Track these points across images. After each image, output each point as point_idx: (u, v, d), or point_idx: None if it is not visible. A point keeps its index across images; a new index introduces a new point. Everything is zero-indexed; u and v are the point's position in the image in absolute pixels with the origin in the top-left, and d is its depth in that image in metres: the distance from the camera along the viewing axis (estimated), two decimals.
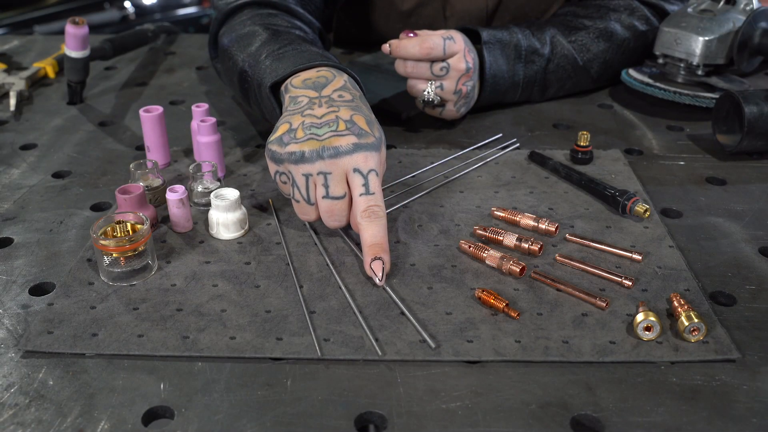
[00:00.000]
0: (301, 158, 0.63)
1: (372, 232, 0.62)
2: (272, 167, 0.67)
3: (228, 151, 0.87)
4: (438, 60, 0.85)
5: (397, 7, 1.09)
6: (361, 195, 0.63)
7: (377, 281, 0.62)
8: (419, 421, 0.49)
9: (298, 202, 0.66)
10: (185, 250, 0.68)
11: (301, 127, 0.65)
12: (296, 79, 0.72)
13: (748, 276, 0.64)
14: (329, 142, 0.63)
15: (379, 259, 0.61)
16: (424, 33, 0.86)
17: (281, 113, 0.73)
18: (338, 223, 0.65)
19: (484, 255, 0.65)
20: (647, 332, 0.56)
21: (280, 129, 0.66)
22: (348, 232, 0.70)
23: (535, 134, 0.91)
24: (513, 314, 0.58)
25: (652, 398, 0.51)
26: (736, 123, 0.83)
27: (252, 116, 0.98)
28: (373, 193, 0.63)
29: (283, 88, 0.73)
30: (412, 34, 0.86)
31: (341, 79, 0.71)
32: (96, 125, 0.96)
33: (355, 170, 0.63)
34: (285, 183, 0.67)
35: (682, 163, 0.84)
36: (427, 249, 0.68)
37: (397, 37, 0.87)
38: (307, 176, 0.63)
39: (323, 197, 0.64)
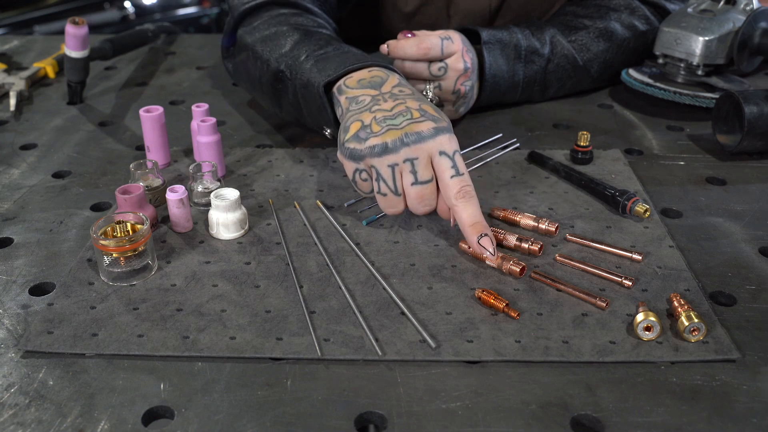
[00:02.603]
0: (384, 149, 0.63)
1: (470, 211, 0.63)
2: (350, 166, 0.67)
3: (228, 151, 0.87)
4: (436, 60, 0.85)
5: (401, 8, 1.09)
6: (452, 177, 0.63)
7: (490, 256, 0.62)
8: (419, 421, 0.49)
9: (385, 195, 0.66)
10: (185, 250, 0.68)
11: (374, 121, 0.65)
12: (350, 80, 0.72)
13: (748, 276, 0.64)
14: (409, 128, 0.64)
15: (485, 235, 0.62)
16: (422, 33, 0.86)
17: (332, 114, 0.74)
18: (428, 208, 0.66)
19: (485, 255, 0.65)
20: (647, 332, 0.56)
21: (352, 127, 0.66)
22: (348, 231, 0.70)
23: (535, 134, 0.91)
24: (513, 314, 0.58)
25: (652, 398, 0.51)
26: (736, 123, 0.83)
27: (251, 116, 0.98)
28: (463, 174, 0.64)
29: (335, 89, 0.74)
30: (410, 35, 0.86)
31: (395, 76, 0.72)
32: (96, 125, 0.96)
33: (441, 153, 0.63)
34: (365, 180, 0.67)
35: (682, 163, 0.84)
36: (427, 249, 0.68)
37: None
38: (393, 166, 0.64)
39: (412, 184, 0.64)
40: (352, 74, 0.73)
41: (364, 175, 0.67)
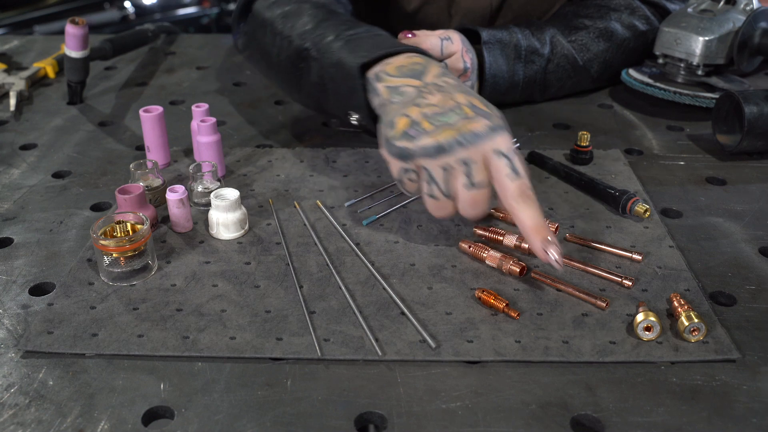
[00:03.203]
0: (438, 150, 0.59)
1: (530, 214, 0.59)
2: (397, 165, 0.63)
3: (228, 151, 0.87)
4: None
5: (403, 7, 1.09)
6: (509, 178, 0.59)
7: (555, 265, 0.58)
8: (419, 421, 0.49)
9: (435, 198, 0.62)
10: (185, 250, 0.68)
11: (423, 118, 0.61)
12: (389, 67, 0.68)
13: (748, 276, 0.64)
14: (465, 128, 0.59)
15: (552, 243, 0.58)
16: (422, 34, 0.86)
17: (365, 98, 0.70)
18: (481, 212, 0.62)
19: (484, 255, 0.65)
20: (647, 332, 0.56)
21: (400, 123, 0.62)
22: (348, 231, 0.70)
23: (535, 134, 0.91)
24: (513, 314, 0.58)
25: (652, 398, 0.51)
26: (736, 123, 0.83)
27: (251, 116, 0.98)
28: (522, 174, 0.59)
29: (372, 75, 0.69)
30: (410, 35, 0.86)
31: (435, 64, 0.68)
32: (96, 125, 0.96)
33: (498, 153, 0.59)
34: (413, 181, 0.63)
35: (682, 163, 0.84)
36: (427, 249, 0.68)
37: None
38: (446, 168, 0.60)
39: (465, 187, 0.60)
40: (390, 60, 0.69)
41: (412, 175, 0.62)
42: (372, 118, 0.70)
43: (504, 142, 0.59)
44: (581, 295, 0.60)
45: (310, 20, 0.79)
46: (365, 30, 0.75)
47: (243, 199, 0.74)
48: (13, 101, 1.01)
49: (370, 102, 0.70)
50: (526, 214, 0.59)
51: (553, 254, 0.58)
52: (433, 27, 0.95)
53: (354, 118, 0.73)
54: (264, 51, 0.85)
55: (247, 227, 0.71)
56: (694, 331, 0.55)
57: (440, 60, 0.85)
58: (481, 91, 0.92)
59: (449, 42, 0.85)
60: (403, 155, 0.61)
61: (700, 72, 0.94)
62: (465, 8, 1.07)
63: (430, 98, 0.63)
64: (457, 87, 0.64)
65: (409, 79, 0.66)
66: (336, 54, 0.72)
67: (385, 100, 0.66)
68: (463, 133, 0.59)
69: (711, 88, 0.94)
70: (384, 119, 0.65)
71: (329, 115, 0.83)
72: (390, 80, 0.67)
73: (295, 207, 0.75)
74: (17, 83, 1.05)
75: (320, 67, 0.75)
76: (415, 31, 0.87)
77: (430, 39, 0.84)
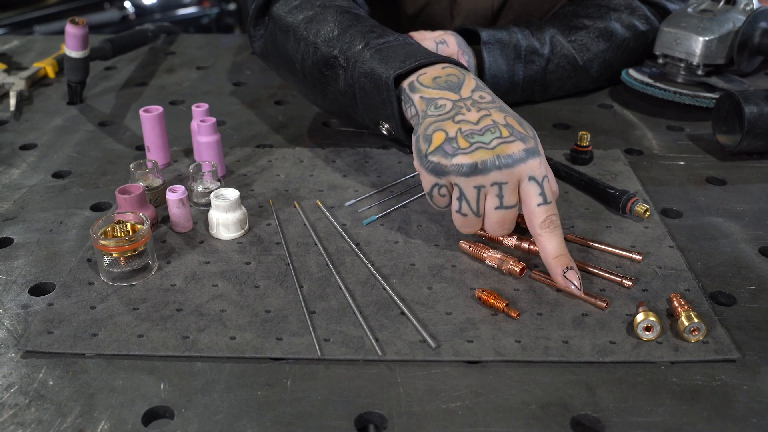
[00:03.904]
0: (474, 170, 0.60)
1: (555, 243, 0.61)
2: (430, 180, 0.63)
3: (228, 151, 0.87)
4: None
5: (405, 8, 1.09)
6: (539, 205, 0.61)
7: (575, 291, 0.60)
8: (419, 421, 0.49)
9: (465, 215, 0.63)
10: (185, 250, 0.68)
11: (460, 135, 0.61)
12: (423, 77, 0.67)
13: (748, 276, 0.64)
14: (501, 150, 0.60)
15: (571, 268, 0.60)
16: (418, 36, 0.86)
17: (398, 109, 0.69)
18: (506, 231, 0.64)
19: (484, 255, 0.65)
20: (647, 332, 0.56)
21: (435, 138, 0.62)
22: (348, 231, 0.70)
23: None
24: (513, 314, 0.58)
25: (652, 398, 0.51)
26: (736, 123, 0.83)
27: (251, 116, 0.98)
28: (550, 202, 0.61)
29: (406, 85, 0.68)
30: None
31: (471, 78, 0.68)
32: (96, 125, 0.96)
33: (531, 178, 0.60)
34: (443, 196, 0.63)
35: (682, 163, 0.84)
36: (427, 249, 0.68)
37: None
38: (479, 188, 0.61)
39: (496, 208, 0.61)
40: (425, 70, 0.68)
41: (443, 191, 0.63)
42: (404, 128, 0.70)
43: (538, 167, 0.61)
44: (581, 295, 0.60)
45: (335, 26, 0.77)
46: (395, 39, 0.74)
47: (243, 199, 0.74)
48: (13, 101, 1.01)
49: (403, 112, 0.70)
50: (551, 244, 0.61)
51: (573, 280, 0.60)
52: (435, 28, 0.95)
53: (384, 128, 0.72)
54: (286, 56, 0.84)
55: (247, 227, 0.71)
56: (694, 331, 0.55)
57: None
58: None
59: (444, 45, 0.85)
60: (438, 171, 0.62)
61: (700, 72, 0.94)
62: (467, 9, 1.07)
63: (467, 114, 0.63)
64: (493, 104, 0.65)
65: (446, 92, 0.66)
66: (367, 64, 0.71)
67: (420, 112, 0.66)
68: (500, 155, 0.60)
69: (711, 88, 0.94)
70: (419, 131, 0.64)
71: (352, 120, 0.82)
72: (426, 91, 0.66)
73: (295, 207, 0.75)
74: (17, 83, 1.05)
75: (349, 76, 0.74)
76: (411, 33, 0.87)
77: (425, 43, 0.84)
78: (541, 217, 0.61)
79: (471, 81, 0.67)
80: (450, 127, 0.62)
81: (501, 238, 0.67)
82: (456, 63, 0.70)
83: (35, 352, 0.56)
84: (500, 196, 0.61)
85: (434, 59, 0.69)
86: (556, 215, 0.61)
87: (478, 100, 0.65)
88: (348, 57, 0.74)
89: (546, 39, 0.95)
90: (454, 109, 0.64)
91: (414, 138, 0.65)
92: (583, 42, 0.97)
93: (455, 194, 0.62)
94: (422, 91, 0.67)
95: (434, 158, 0.61)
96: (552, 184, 0.62)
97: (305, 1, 0.83)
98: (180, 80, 1.12)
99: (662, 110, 0.97)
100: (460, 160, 0.60)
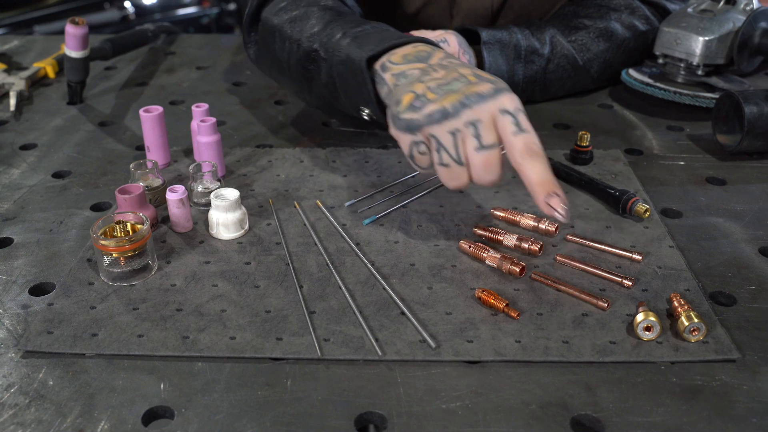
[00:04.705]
0: (444, 115, 0.59)
1: (537, 169, 0.58)
2: (406, 140, 0.62)
3: (228, 151, 0.87)
4: None
5: (404, 8, 1.09)
6: (515, 134, 0.59)
7: (560, 218, 0.58)
8: (419, 421, 0.49)
9: (447, 166, 0.61)
10: (185, 250, 0.68)
11: (428, 90, 0.61)
12: (394, 56, 0.68)
13: (748, 276, 0.64)
14: (468, 90, 0.59)
15: (556, 194, 0.58)
16: (418, 35, 0.86)
17: (374, 91, 0.70)
18: (494, 176, 0.60)
19: (484, 255, 0.65)
20: (647, 332, 0.56)
21: (405, 99, 0.62)
22: (348, 231, 0.70)
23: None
24: (513, 314, 0.58)
25: (652, 398, 0.51)
26: (736, 123, 0.83)
27: (251, 116, 0.98)
28: (527, 131, 0.59)
29: (378, 66, 0.69)
30: None
31: (441, 50, 0.68)
32: (96, 125, 0.96)
33: (503, 111, 0.59)
34: (424, 154, 0.62)
35: (682, 163, 0.84)
36: (427, 249, 0.68)
37: None
38: (454, 132, 0.59)
39: (476, 149, 0.59)
40: (396, 50, 0.69)
41: (422, 147, 0.62)
42: (382, 110, 0.70)
43: (509, 101, 0.59)
44: (582, 295, 0.60)
45: (317, 22, 0.79)
46: (372, 26, 0.75)
47: (243, 199, 0.74)
48: (13, 101, 1.01)
49: (378, 93, 0.70)
50: (534, 170, 0.58)
51: (557, 207, 0.58)
52: (434, 27, 0.95)
53: (365, 113, 0.73)
54: (275, 58, 0.85)
55: (247, 227, 0.71)
56: (694, 331, 0.55)
57: None
58: None
59: (446, 44, 0.85)
60: (411, 127, 0.61)
61: (700, 72, 0.94)
62: (466, 9, 1.07)
63: (434, 74, 0.63)
64: (461, 64, 0.65)
65: (414, 63, 0.66)
66: (344, 51, 0.72)
67: (391, 87, 0.66)
68: (467, 95, 0.59)
69: (711, 88, 0.94)
70: (391, 102, 0.65)
71: (341, 115, 0.83)
72: (396, 68, 0.67)
73: (295, 207, 0.75)
74: (17, 83, 1.05)
75: (329, 67, 0.75)
76: (413, 32, 0.87)
77: None
78: (518, 146, 0.58)
79: (440, 53, 0.67)
80: (418, 87, 0.62)
81: (501, 238, 0.67)
82: (430, 42, 0.70)
83: (35, 352, 0.56)
84: (477, 136, 0.59)
85: (406, 39, 0.70)
86: (537, 144, 0.59)
87: (447, 64, 0.65)
88: (327, 48, 0.75)
89: (546, 39, 0.95)
90: (422, 73, 0.64)
91: (388, 111, 0.65)
92: (583, 42, 0.97)
93: (433, 147, 0.61)
94: (392, 69, 0.67)
95: (406, 115, 0.61)
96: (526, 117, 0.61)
97: (291, 2, 0.85)
98: (180, 80, 1.12)
99: (662, 110, 0.97)
100: (430, 108, 0.60)
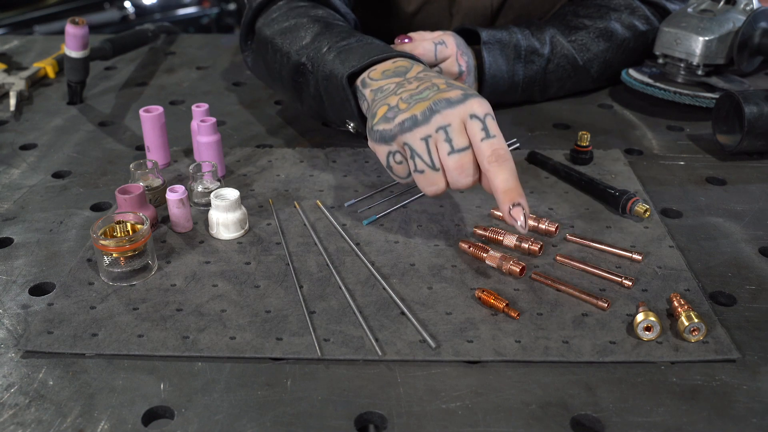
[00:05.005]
0: (414, 123, 0.60)
1: (503, 176, 0.59)
2: (382, 151, 0.64)
3: (228, 151, 0.87)
4: (430, 65, 0.86)
5: (403, 7, 1.09)
6: (482, 140, 0.59)
7: (519, 228, 0.58)
8: (419, 421, 0.49)
9: (422, 172, 0.61)
10: (185, 250, 0.68)
11: (400, 101, 0.63)
12: (374, 73, 0.70)
13: (748, 276, 0.64)
14: (436, 96, 0.61)
15: (518, 204, 0.59)
16: (417, 37, 0.86)
17: (356, 107, 0.72)
18: (469, 178, 0.61)
19: (484, 255, 0.65)
20: (647, 332, 0.56)
21: (380, 112, 0.64)
22: (348, 231, 0.70)
23: (535, 134, 0.91)
24: (513, 314, 0.58)
25: (652, 398, 0.51)
26: (736, 123, 0.83)
27: (251, 116, 0.98)
28: (494, 136, 0.60)
29: (359, 82, 0.71)
30: (406, 40, 0.86)
31: (419, 65, 0.69)
32: (96, 125, 0.96)
33: (472, 116, 0.60)
34: (400, 163, 0.63)
35: (682, 163, 0.84)
36: (427, 249, 0.68)
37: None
38: (426, 139, 0.60)
39: (449, 153, 0.60)
40: (376, 66, 0.71)
41: (398, 157, 0.63)
42: (364, 123, 0.71)
43: (478, 106, 0.60)
44: (582, 295, 0.60)
45: (306, 34, 0.81)
46: (357, 40, 0.76)
47: (243, 199, 0.74)
48: (13, 101, 1.01)
49: (361, 109, 0.72)
50: (499, 177, 0.59)
51: (518, 217, 0.58)
52: (433, 27, 0.95)
53: (350, 127, 0.76)
54: (268, 68, 0.87)
55: (247, 227, 0.71)
56: (694, 331, 0.55)
57: (434, 65, 0.86)
58: (481, 91, 0.92)
59: (443, 46, 0.86)
60: (384, 137, 0.62)
61: (700, 72, 0.94)
62: (466, 8, 1.07)
63: (408, 86, 0.65)
64: (437, 75, 0.66)
65: (392, 78, 0.68)
66: (328, 66, 0.74)
67: (370, 102, 0.68)
68: (435, 101, 0.60)
69: (711, 88, 0.94)
70: (369, 116, 0.66)
71: (330, 124, 0.86)
72: (374, 84, 0.69)
73: (295, 207, 0.75)
74: (17, 83, 1.05)
75: (316, 80, 0.77)
76: (411, 34, 0.87)
77: (423, 44, 0.85)
78: (486, 152, 0.59)
79: (419, 67, 0.69)
80: (392, 99, 0.64)
81: (501, 238, 0.67)
82: (411, 57, 0.71)
83: (35, 352, 0.56)
84: (448, 140, 0.60)
85: (388, 55, 0.71)
86: (504, 149, 0.60)
87: (422, 77, 0.66)
88: (314, 62, 0.78)
89: (546, 39, 0.95)
90: (398, 87, 0.66)
91: (367, 125, 0.66)
92: (583, 42, 0.97)
93: (408, 155, 0.62)
94: (371, 85, 0.69)
95: (379, 126, 0.63)
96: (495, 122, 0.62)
97: (283, 13, 0.86)
98: (180, 80, 1.12)
99: (662, 110, 0.97)
100: (401, 117, 0.61)
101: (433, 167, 0.61)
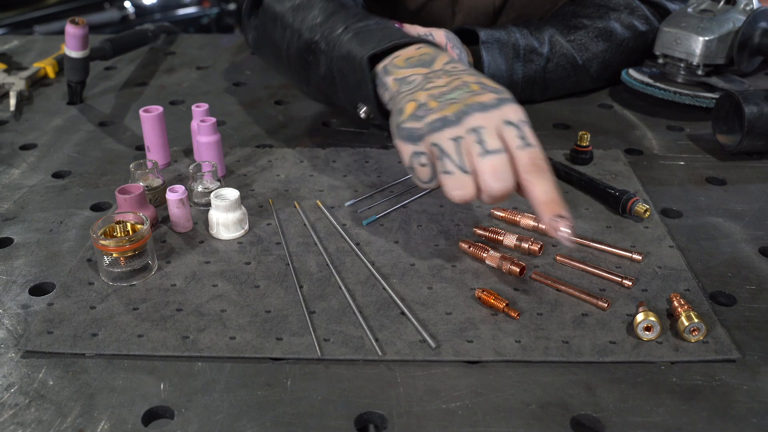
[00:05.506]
0: (445, 123, 0.57)
1: (543, 187, 0.55)
2: (407, 150, 0.60)
3: (228, 151, 0.87)
4: None
5: (406, 5, 1.09)
6: (519, 147, 0.56)
7: (565, 242, 0.54)
8: (419, 421, 0.49)
9: (451, 174, 0.57)
10: (185, 250, 0.68)
11: (430, 99, 0.60)
12: (397, 59, 0.67)
13: (748, 276, 0.64)
14: (471, 100, 0.58)
15: (561, 216, 0.54)
16: (408, 28, 0.86)
17: (373, 90, 0.68)
18: (505, 183, 0.56)
19: (484, 255, 0.65)
20: (647, 332, 0.56)
21: (408, 108, 0.60)
22: (348, 231, 0.70)
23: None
24: (513, 314, 0.58)
25: (652, 398, 0.51)
26: (736, 123, 0.83)
27: (251, 116, 0.98)
28: (532, 144, 0.56)
29: (380, 68, 0.67)
30: (397, 25, 0.86)
31: (445, 54, 0.66)
32: (96, 125, 0.96)
33: (507, 122, 0.57)
34: (424, 166, 0.59)
35: (682, 163, 0.84)
36: (427, 249, 0.68)
37: None
38: (456, 139, 0.57)
39: (480, 155, 0.56)
40: (399, 52, 0.67)
41: (423, 159, 0.59)
42: (381, 111, 0.70)
43: (513, 112, 0.57)
44: (582, 295, 0.60)
45: (320, 13, 0.79)
46: (375, 22, 0.74)
47: (243, 199, 0.74)
48: (13, 101, 1.01)
49: (379, 96, 0.69)
50: (539, 188, 0.55)
51: (564, 231, 0.54)
52: (436, 25, 0.95)
53: (363, 111, 0.72)
54: (274, 45, 0.85)
55: (247, 227, 0.71)
56: (694, 331, 0.55)
57: None
58: None
59: (431, 38, 0.85)
60: (412, 136, 0.59)
61: (700, 72, 0.94)
62: (468, 6, 1.07)
63: (437, 82, 0.62)
64: (465, 71, 0.63)
65: (417, 68, 0.65)
66: (345, 46, 0.72)
67: (394, 92, 0.65)
68: (469, 104, 0.57)
69: (711, 88, 0.94)
70: (394, 110, 0.63)
71: (338, 108, 0.83)
72: (398, 72, 0.66)
73: (295, 207, 0.75)
74: (17, 83, 1.05)
75: (329, 60, 0.75)
76: (405, 24, 0.86)
77: (411, 31, 0.84)
78: (524, 160, 0.56)
79: (444, 57, 0.66)
80: (420, 95, 0.61)
81: (501, 238, 0.67)
82: (433, 44, 0.69)
83: (35, 352, 0.56)
84: (481, 141, 0.56)
85: (409, 40, 0.69)
86: (542, 158, 0.56)
87: (450, 69, 0.64)
88: (328, 41, 0.75)
89: (545, 38, 0.95)
90: (425, 80, 0.63)
91: (391, 119, 0.63)
92: (582, 42, 0.97)
93: (436, 155, 0.58)
94: (395, 73, 0.66)
95: (407, 125, 0.59)
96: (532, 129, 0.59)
97: None
98: (180, 80, 1.12)
99: (662, 110, 0.97)
100: (432, 117, 0.58)
101: (463, 169, 0.57)
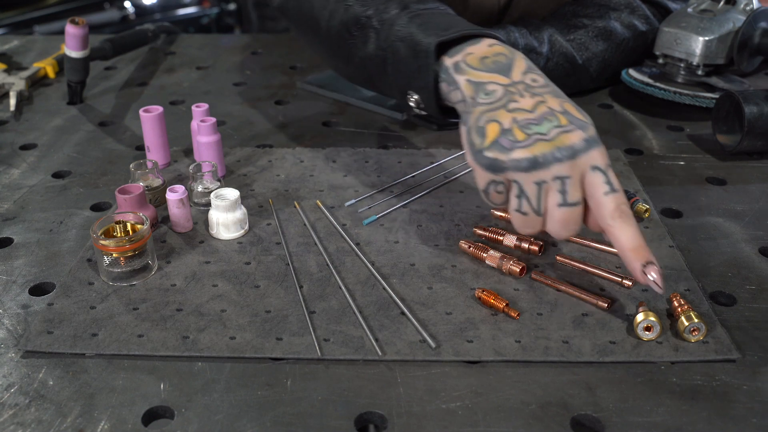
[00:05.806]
0: (533, 164, 0.55)
1: (630, 234, 0.55)
2: (485, 177, 0.58)
3: (228, 151, 0.87)
4: None
5: None
6: (605, 194, 0.55)
7: (657, 290, 0.55)
8: (419, 421, 0.49)
9: (525, 214, 0.57)
10: (185, 250, 0.68)
11: (516, 126, 0.57)
12: (470, 58, 0.62)
13: (748, 276, 0.64)
14: (561, 141, 0.55)
15: (651, 263, 0.55)
16: None
17: (434, 81, 0.65)
18: (572, 232, 0.57)
19: (484, 255, 0.65)
20: (647, 332, 0.56)
21: (490, 132, 0.58)
22: (348, 231, 0.70)
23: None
24: (513, 314, 0.58)
25: (652, 398, 0.51)
26: (736, 123, 0.83)
27: (251, 116, 0.98)
28: (618, 191, 0.56)
29: (451, 63, 0.63)
30: None
31: (520, 58, 0.63)
32: (96, 125, 0.96)
33: (594, 168, 0.56)
34: (500, 193, 0.58)
35: (682, 163, 0.84)
36: (427, 249, 0.68)
37: None
38: (540, 184, 0.56)
39: (559, 205, 0.56)
40: (471, 49, 0.63)
41: (500, 188, 0.58)
42: (438, 103, 0.66)
43: (600, 156, 0.56)
44: (582, 295, 0.60)
45: None
46: (435, 7, 0.70)
47: (243, 199, 0.74)
48: (13, 101, 1.01)
49: (440, 89, 0.65)
50: (626, 234, 0.55)
51: (654, 276, 0.54)
52: None
53: (413, 100, 0.68)
54: (310, 13, 0.79)
55: (247, 227, 0.71)
56: (694, 331, 0.55)
57: None
58: None
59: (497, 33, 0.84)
60: (495, 168, 0.57)
61: (700, 72, 0.94)
62: (473, 5, 1.07)
63: (521, 101, 0.59)
64: (547, 87, 0.61)
65: (495, 74, 0.61)
66: (405, 28, 0.67)
67: (468, 99, 0.61)
68: (560, 147, 0.55)
69: (711, 88, 0.94)
70: (470, 122, 0.60)
71: (374, 90, 0.79)
72: (473, 74, 0.62)
73: (295, 207, 0.75)
74: (17, 83, 1.05)
75: (382, 40, 0.70)
76: None
77: None
78: (610, 207, 0.55)
79: (521, 61, 0.62)
80: (504, 117, 0.58)
81: (501, 238, 0.67)
82: (499, 38, 0.65)
83: (35, 352, 0.56)
84: (563, 192, 0.55)
85: (478, 32, 0.65)
86: (626, 204, 0.56)
87: (531, 84, 0.61)
88: (383, 19, 0.70)
89: (544, 38, 0.95)
90: (506, 96, 0.59)
91: (464, 129, 0.61)
92: (582, 41, 0.97)
93: (514, 192, 0.57)
94: (469, 73, 0.62)
95: (490, 154, 0.57)
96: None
97: None
98: (180, 80, 1.12)
99: (662, 110, 0.97)
100: (519, 154, 0.56)
101: (538, 212, 0.57)
